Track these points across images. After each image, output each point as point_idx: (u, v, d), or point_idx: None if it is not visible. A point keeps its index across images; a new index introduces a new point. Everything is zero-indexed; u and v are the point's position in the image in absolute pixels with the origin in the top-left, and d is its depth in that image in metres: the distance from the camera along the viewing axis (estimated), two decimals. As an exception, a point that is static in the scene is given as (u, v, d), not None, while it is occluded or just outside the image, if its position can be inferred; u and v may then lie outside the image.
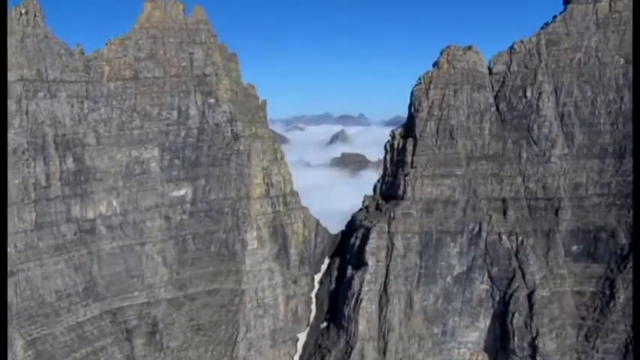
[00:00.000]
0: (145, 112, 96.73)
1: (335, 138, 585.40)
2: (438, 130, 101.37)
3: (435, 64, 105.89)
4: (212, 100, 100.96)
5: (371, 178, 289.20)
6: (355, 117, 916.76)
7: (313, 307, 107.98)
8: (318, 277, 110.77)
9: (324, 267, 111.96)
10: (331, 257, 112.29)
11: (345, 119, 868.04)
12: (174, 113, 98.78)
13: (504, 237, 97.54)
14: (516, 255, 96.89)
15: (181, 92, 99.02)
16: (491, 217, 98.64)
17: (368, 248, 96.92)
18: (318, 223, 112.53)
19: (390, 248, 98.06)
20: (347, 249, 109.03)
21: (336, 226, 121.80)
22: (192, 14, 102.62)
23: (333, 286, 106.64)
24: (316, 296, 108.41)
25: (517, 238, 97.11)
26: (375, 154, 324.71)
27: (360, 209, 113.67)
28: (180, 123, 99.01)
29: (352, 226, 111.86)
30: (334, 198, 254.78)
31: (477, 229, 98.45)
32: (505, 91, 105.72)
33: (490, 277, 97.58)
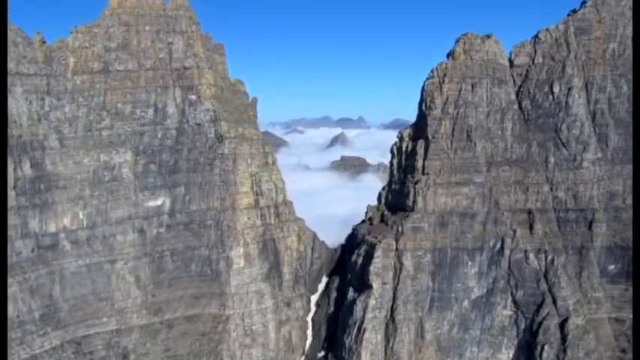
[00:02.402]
0: (116, 111, 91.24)
1: (334, 141, 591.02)
2: (453, 131, 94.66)
3: (450, 55, 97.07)
4: (193, 97, 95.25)
5: (371, 181, 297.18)
6: (355, 120, 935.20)
7: (309, 332, 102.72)
8: (314, 298, 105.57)
9: (321, 286, 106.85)
10: (330, 275, 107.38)
11: (344, 122, 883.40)
12: (150, 111, 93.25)
13: (531, 255, 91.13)
14: (545, 276, 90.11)
15: (158, 87, 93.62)
16: (515, 231, 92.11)
17: (372, 268, 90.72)
18: (315, 237, 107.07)
19: (398, 268, 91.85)
20: (348, 267, 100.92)
21: (334, 234, 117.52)
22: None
23: (332, 309, 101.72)
24: (312, 320, 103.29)
25: (546, 257, 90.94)
26: (375, 157, 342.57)
27: (363, 221, 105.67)
28: (156, 123, 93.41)
29: (353, 240, 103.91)
30: (333, 202, 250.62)
31: (498, 245, 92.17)
32: (528, 86, 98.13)
33: (514, 302, 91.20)
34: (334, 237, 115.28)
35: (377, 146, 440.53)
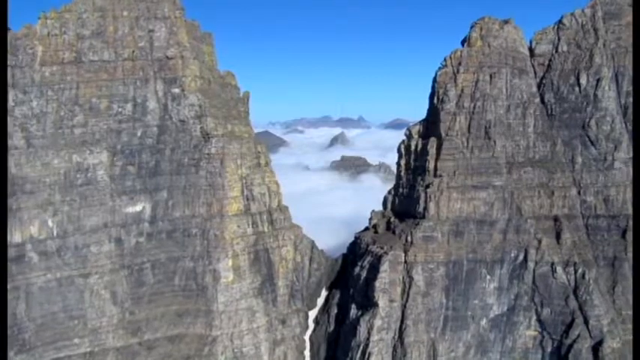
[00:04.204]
0: (89, 106, 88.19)
1: (335, 141, 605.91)
2: (469, 127, 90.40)
3: (466, 41, 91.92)
4: (177, 90, 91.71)
5: (372, 181, 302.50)
6: (355, 120, 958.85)
7: (307, 353, 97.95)
8: (312, 314, 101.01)
9: (320, 301, 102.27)
10: (330, 289, 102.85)
11: (344, 122, 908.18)
12: (128, 107, 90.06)
13: (558, 268, 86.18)
14: (575, 292, 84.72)
15: (137, 80, 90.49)
16: (540, 241, 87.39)
17: (378, 284, 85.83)
18: (313, 246, 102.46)
19: (407, 283, 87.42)
20: (350, 280, 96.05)
21: (335, 236, 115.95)
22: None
23: (333, 326, 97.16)
24: (310, 339, 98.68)
25: (575, 270, 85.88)
26: (376, 157, 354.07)
27: (367, 228, 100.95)
28: (135, 119, 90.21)
29: (356, 249, 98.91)
30: (333, 202, 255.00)
31: (521, 257, 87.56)
32: (552, 77, 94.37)
33: (539, 321, 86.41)
34: (334, 240, 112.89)
35: (377, 146, 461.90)
